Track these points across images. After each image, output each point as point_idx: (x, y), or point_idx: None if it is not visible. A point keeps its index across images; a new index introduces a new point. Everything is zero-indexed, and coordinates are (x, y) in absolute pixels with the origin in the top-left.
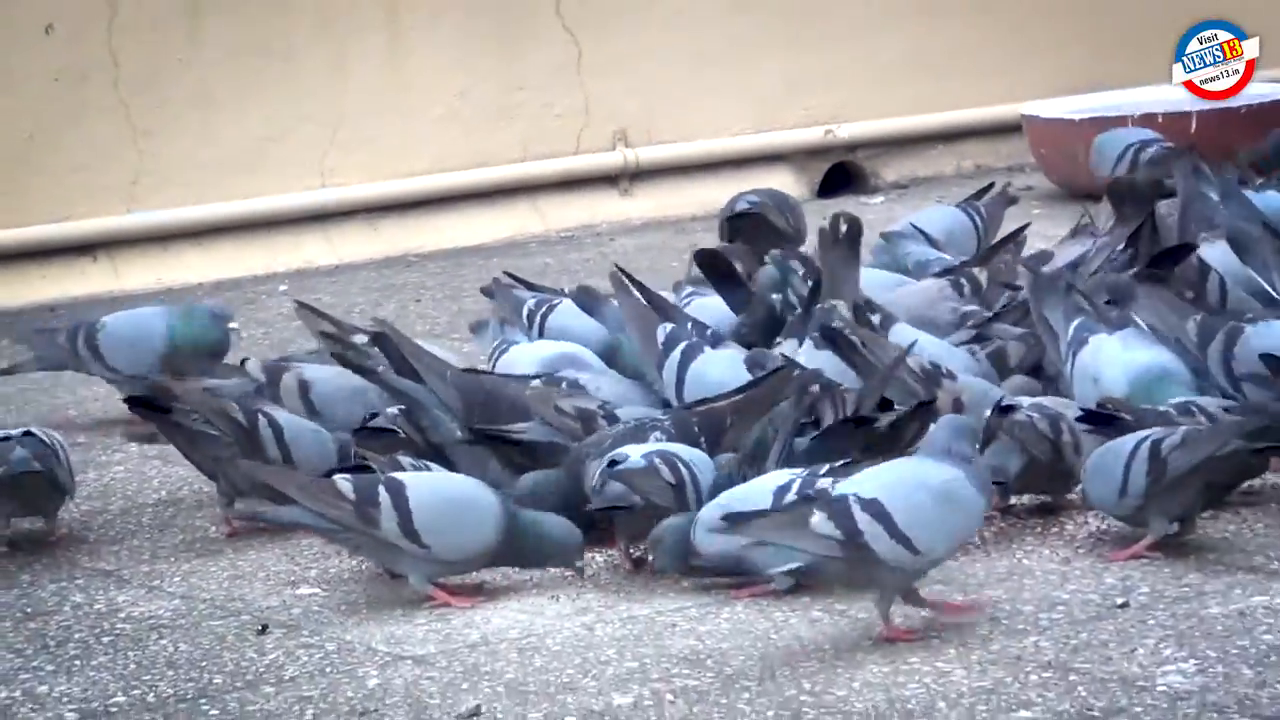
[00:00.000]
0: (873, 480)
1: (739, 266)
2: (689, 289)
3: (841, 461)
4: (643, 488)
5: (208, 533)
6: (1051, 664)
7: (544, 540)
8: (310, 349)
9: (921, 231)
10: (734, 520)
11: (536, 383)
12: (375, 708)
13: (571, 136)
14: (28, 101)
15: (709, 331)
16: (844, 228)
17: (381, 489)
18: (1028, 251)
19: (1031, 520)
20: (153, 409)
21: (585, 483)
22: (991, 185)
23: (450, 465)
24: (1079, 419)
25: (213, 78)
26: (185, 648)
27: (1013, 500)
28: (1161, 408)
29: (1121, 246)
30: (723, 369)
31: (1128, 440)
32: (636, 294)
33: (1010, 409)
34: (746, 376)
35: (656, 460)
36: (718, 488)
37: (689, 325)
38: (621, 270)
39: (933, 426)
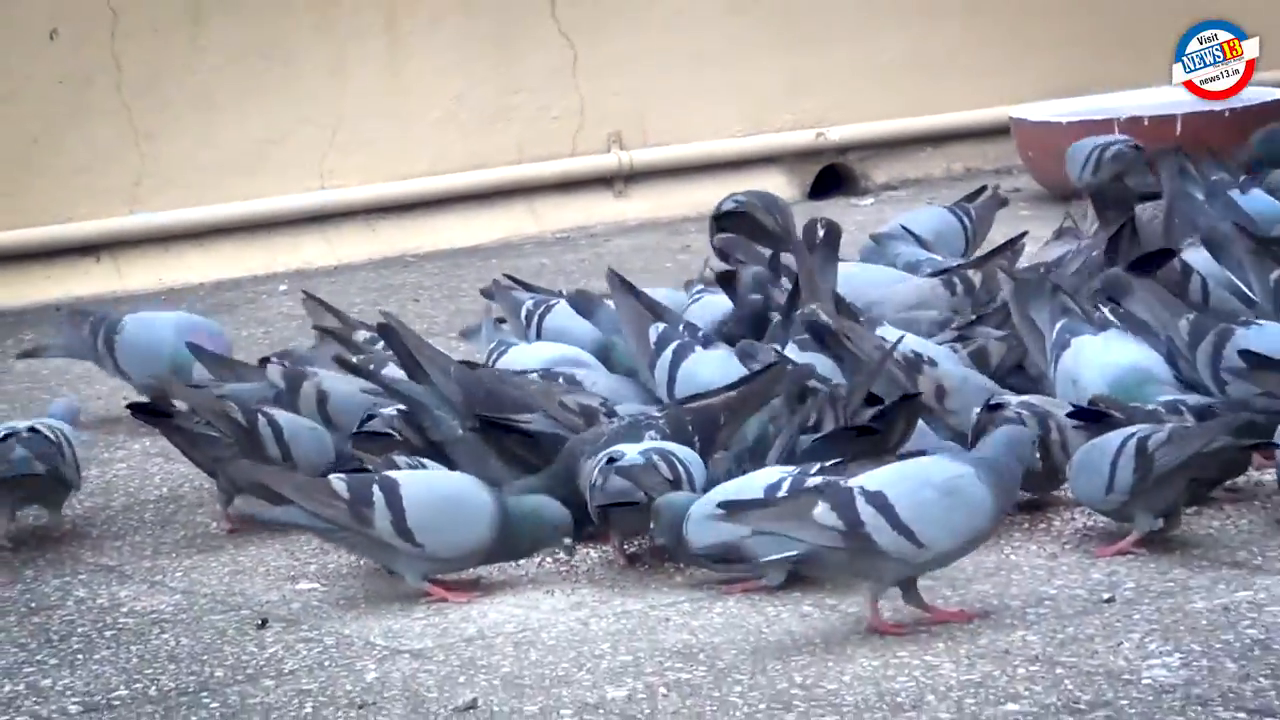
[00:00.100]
0: (879, 474)
1: (743, 258)
2: (699, 286)
3: (832, 462)
4: (644, 484)
5: (209, 529)
6: (1039, 658)
7: (535, 524)
8: (311, 345)
9: (910, 232)
10: (733, 508)
11: (535, 375)
12: (373, 701)
13: (567, 139)
14: (32, 105)
15: (700, 332)
16: (822, 232)
17: (375, 488)
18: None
19: (1019, 516)
20: (154, 414)
21: (579, 479)
22: (984, 188)
23: (450, 463)
24: (1069, 415)
25: (214, 81)
26: (186, 642)
27: None
28: (1150, 406)
29: (1102, 249)
30: (713, 368)
31: (1114, 437)
32: (630, 295)
33: (999, 406)
34: (735, 375)
35: (655, 457)
36: (711, 484)
37: (680, 326)
38: (615, 273)
39: (992, 433)
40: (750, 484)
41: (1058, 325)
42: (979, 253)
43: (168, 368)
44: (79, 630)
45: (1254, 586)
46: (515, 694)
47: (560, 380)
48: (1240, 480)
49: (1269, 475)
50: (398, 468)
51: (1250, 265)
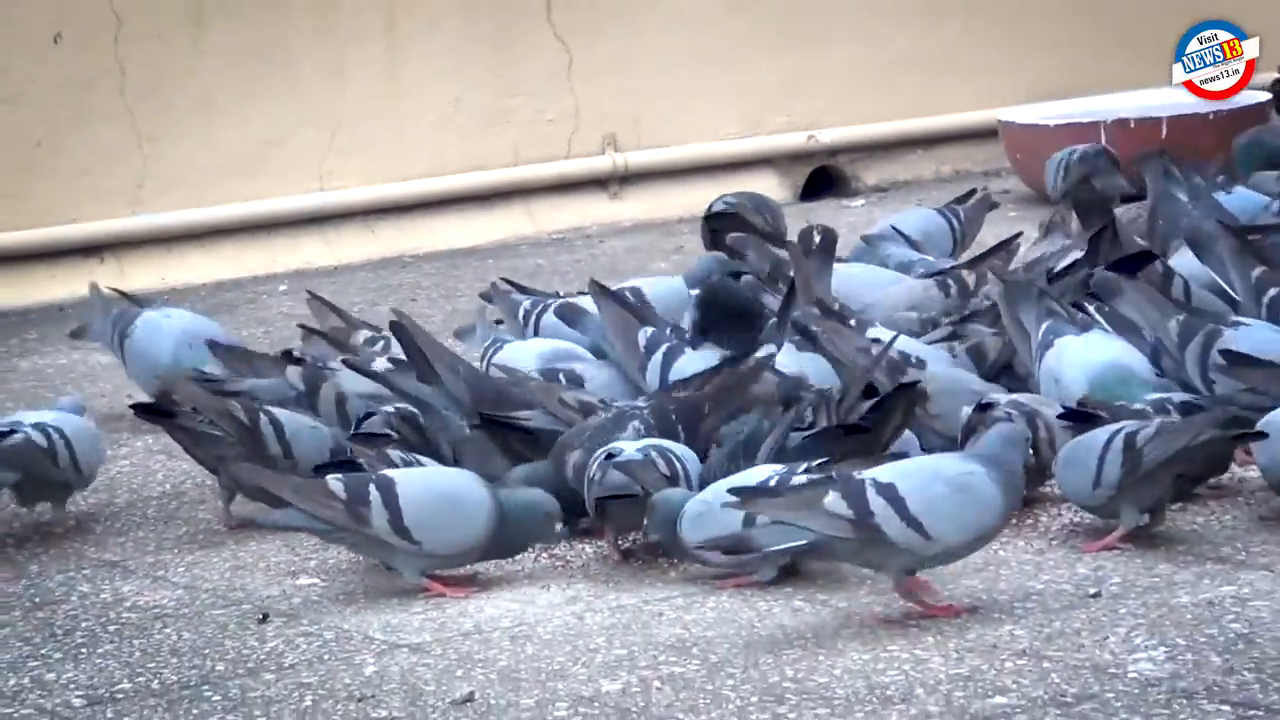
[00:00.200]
0: (891, 468)
1: (752, 256)
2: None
3: (819, 460)
4: (641, 479)
5: (210, 525)
6: (1026, 651)
7: (529, 517)
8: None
9: (900, 233)
10: (745, 495)
11: (534, 372)
12: (372, 694)
13: (562, 141)
14: (36, 108)
15: (687, 335)
16: (818, 238)
17: (372, 487)
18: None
19: None
20: (158, 414)
21: (567, 472)
22: (974, 190)
23: (457, 463)
24: (1060, 417)
25: (215, 85)
26: (188, 636)
27: None
28: (1137, 405)
29: (1083, 251)
30: (703, 368)
31: (1100, 432)
32: (614, 302)
33: (989, 406)
34: None
35: (653, 454)
36: (704, 481)
37: (668, 329)
38: (597, 282)
39: (986, 432)
40: (742, 480)
41: (1042, 326)
42: (969, 254)
43: (161, 377)
44: (83, 625)
45: (1238, 581)
46: (511, 687)
47: (561, 379)
48: (1224, 477)
49: (1252, 472)
50: (394, 465)
51: (1233, 264)
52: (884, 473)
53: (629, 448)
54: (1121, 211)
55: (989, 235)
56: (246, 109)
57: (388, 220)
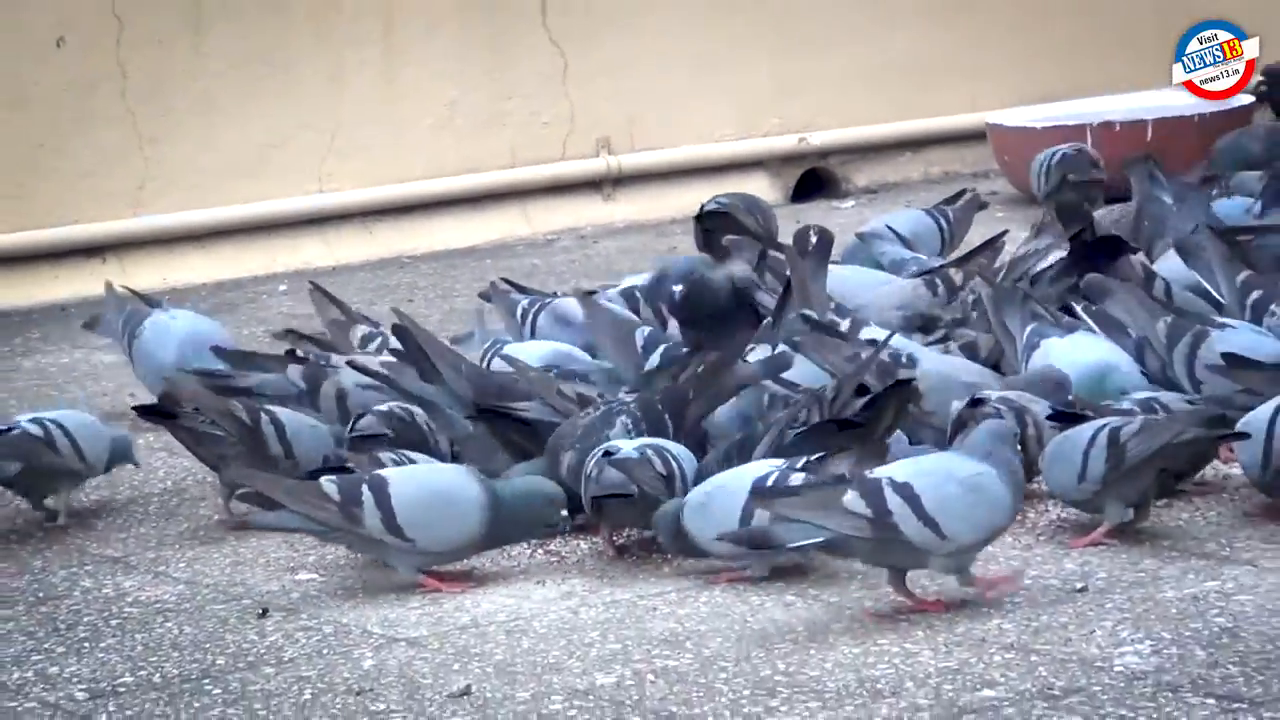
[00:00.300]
0: (906, 467)
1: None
2: None
3: (816, 456)
4: (638, 477)
5: (211, 521)
6: (1014, 645)
7: (528, 503)
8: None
9: (894, 232)
10: (764, 494)
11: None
12: (370, 687)
13: (557, 144)
14: (39, 110)
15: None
16: (815, 240)
17: (364, 488)
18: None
19: None
20: (160, 415)
21: (561, 471)
22: (964, 191)
23: (458, 460)
24: (1049, 418)
25: (215, 88)
26: (189, 630)
27: None
28: (1125, 404)
29: (1063, 251)
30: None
31: (1086, 428)
32: (604, 311)
33: (980, 402)
34: None
35: (649, 452)
36: (701, 477)
37: (664, 329)
38: (585, 292)
39: (975, 429)
40: (739, 477)
41: (1028, 329)
42: (957, 254)
43: (165, 379)
44: (85, 619)
45: (1222, 576)
46: (507, 681)
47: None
48: (1209, 474)
49: (1235, 469)
50: (383, 464)
51: (1219, 268)
52: (898, 472)
53: (626, 446)
54: (1104, 212)
55: (977, 236)
56: (246, 112)
57: (386, 221)
